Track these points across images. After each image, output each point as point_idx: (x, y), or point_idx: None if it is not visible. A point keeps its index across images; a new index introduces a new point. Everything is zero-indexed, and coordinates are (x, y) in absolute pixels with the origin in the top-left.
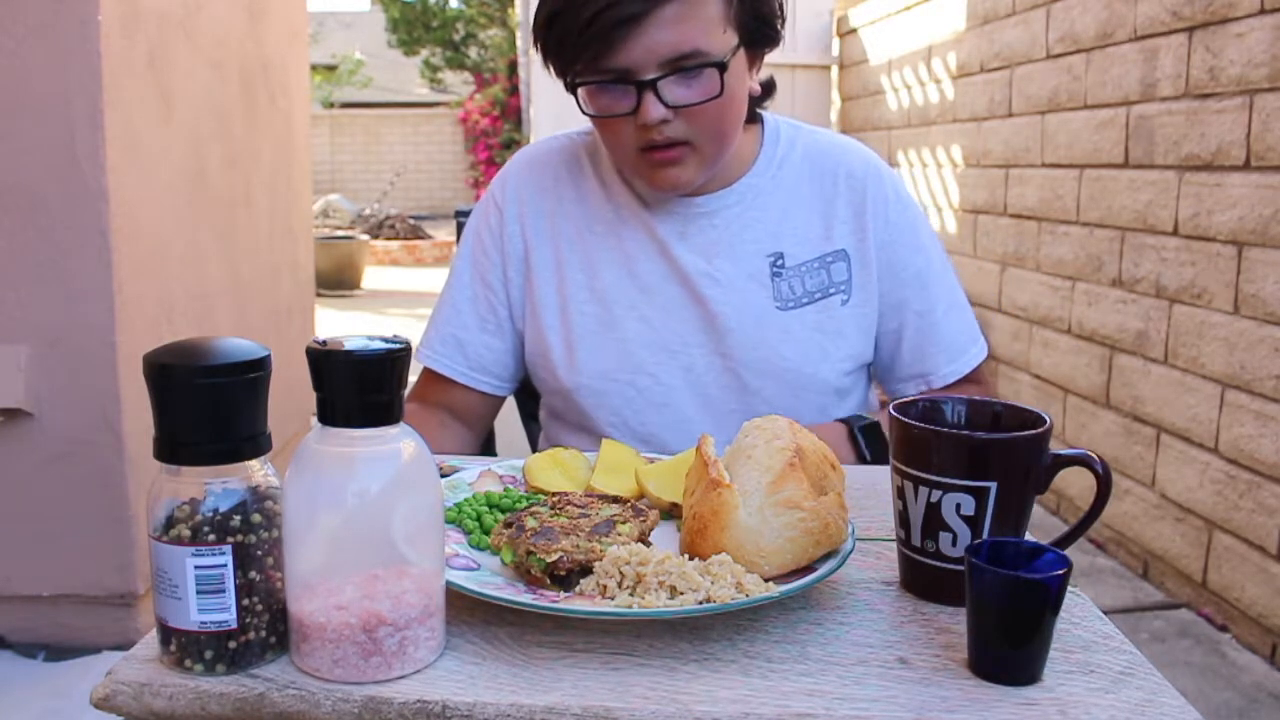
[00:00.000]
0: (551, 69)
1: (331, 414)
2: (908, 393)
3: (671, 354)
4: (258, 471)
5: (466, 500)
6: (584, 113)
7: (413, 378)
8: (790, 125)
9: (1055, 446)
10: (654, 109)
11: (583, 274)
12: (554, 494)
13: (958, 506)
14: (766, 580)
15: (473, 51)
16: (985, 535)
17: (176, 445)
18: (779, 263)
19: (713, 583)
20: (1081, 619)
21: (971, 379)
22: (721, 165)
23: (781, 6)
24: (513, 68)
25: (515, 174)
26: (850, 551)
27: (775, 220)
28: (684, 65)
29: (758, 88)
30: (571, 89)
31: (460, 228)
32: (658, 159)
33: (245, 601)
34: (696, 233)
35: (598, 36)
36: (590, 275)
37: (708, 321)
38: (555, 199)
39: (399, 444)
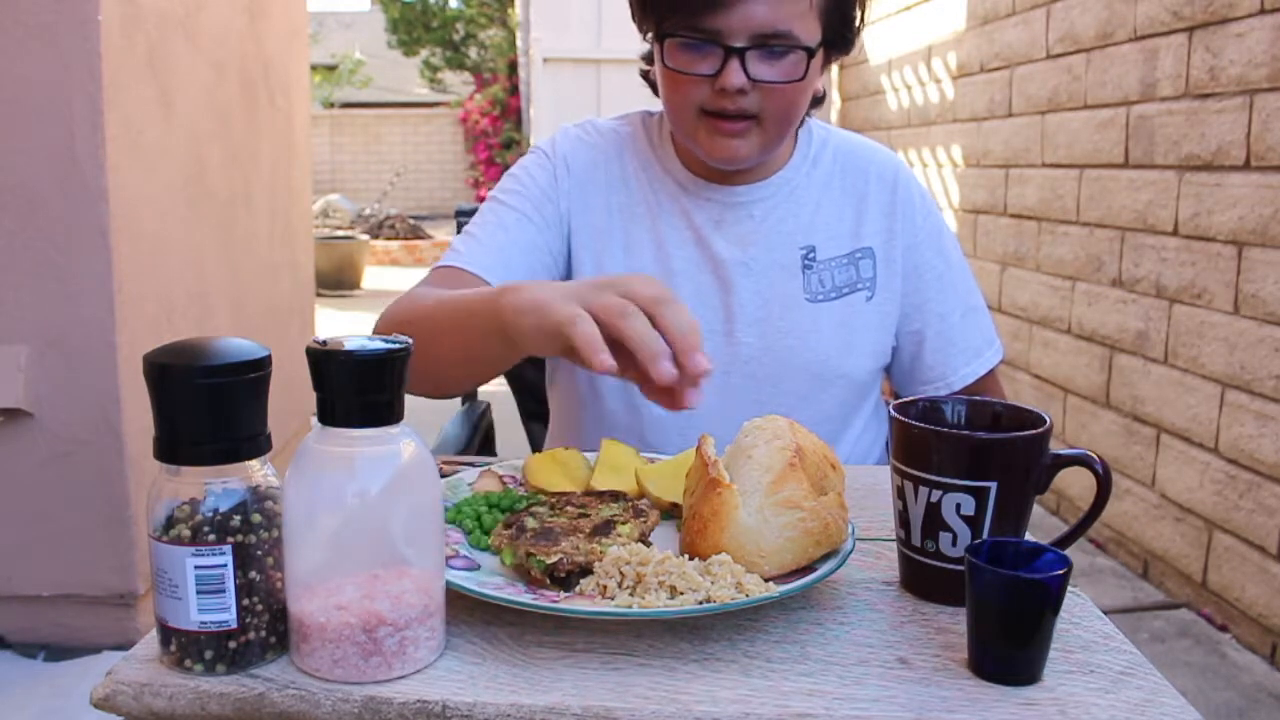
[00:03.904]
0: (644, 17)
1: (331, 414)
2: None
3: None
4: (258, 471)
5: (466, 500)
6: (664, 65)
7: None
8: (820, 126)
9: (1055, 446)
10: (736, 76)
11: (620, 252)
12: (554, 494)
13: (958, 506)
14: (766, 580)
15: (473, 51)
16: (985, 535)
17: (176, 445)
18: (810, 256)
19: (713, 583)
20: (1081, 619)
21: (987, 381)
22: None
23: (863, 17)
24: (513, 68)
25: (565, 141)
26: (850, 551)
27: (809, 214)
28: (773, 43)
29: (822, 89)
30: (659, 39)
31: (460, 227)
32: (722, 128)
33: (245, 601)
34: (733, 222)
35: None
36: (627, 255)
37: (736, 310)
38: (603, 174)
39: (399, 444)
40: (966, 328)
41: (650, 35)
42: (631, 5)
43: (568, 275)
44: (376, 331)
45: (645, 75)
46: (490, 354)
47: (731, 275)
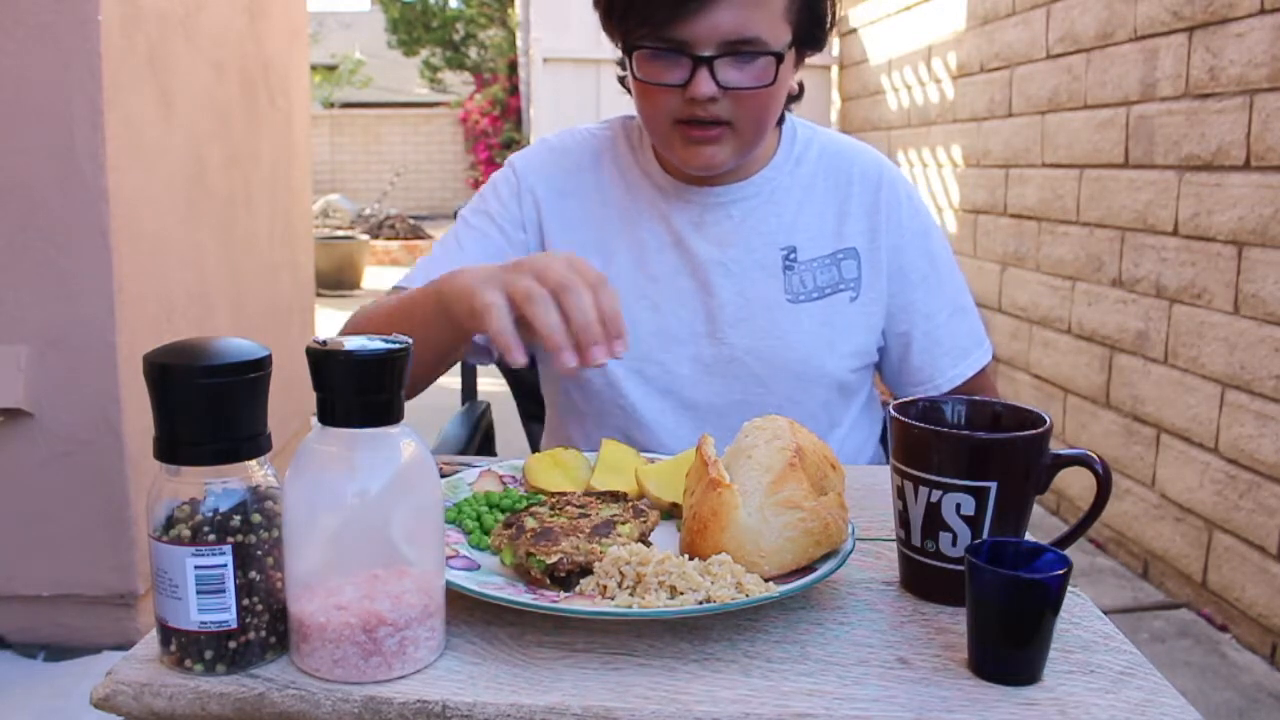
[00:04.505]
0: (611, 29)
1: (331, 414)
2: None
3: (680, 343)
4: (258, 471)
5: (466, 500)
6: (634, 76)
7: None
8: (806, 125)
9: (1055, 446)
10: (705, 85)
11: (598, 259)
12: (554, 494)
13: (958, 506)
14: (766, 580)
15: (473, 51)
16: (985, 535)
17: (176, 445)
18: (791, 256)
19: (713, 583)
20: (1081, 619)
21: (977, 381)
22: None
23: (834, 14)
24: (513, 68)
25: (537, 153)
26: (850, 551)
27: (791, 215)
28: (742, 49)
29: (796, 87)
30: (627, 52)
31: None
32: (696, 135)
33: (245, 601)
34: (713, 223)
35: (667, 5)
36: (604, 262)
37: (717, 312)
38: (576, 184)
39: (399, 444)
40: (954, 329)
41: (619, 46)
42: (600, 17)
43: None
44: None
45: (622, 81)
46: (437, 340)
47: (710, 277)
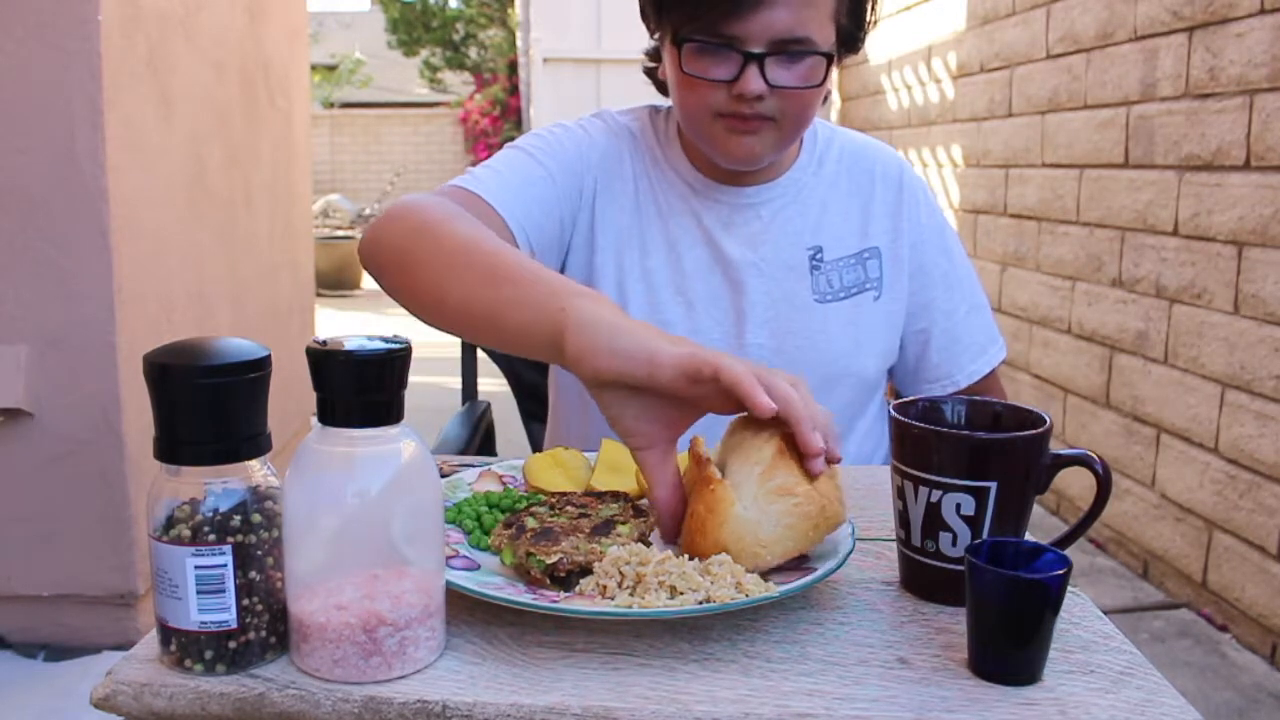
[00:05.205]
0: (657, 21)
1: (331, 414)
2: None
3: (711, 342)
4: (258, 471)
5: (466, 500)
6: (679, 69)
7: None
8: (825, 126)
9: (1055, 446)
10: (755, 83)
11: (637, 252)
12: (554, 494)
13: (958, 506)
14: (770, 570)
15: (473, 51)
16: (985, 535)
17: (176, 445)
18: (818, 256)
19: (713, 583)
20: (1081, 619)
21: (990, 380)
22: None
23: (874, 21)
24: (513, 68)
25: (595, 127)
26: (850, 551)
27: (816, 215)
28: (792, 49)
29: (830, 88)
30: (675, 44)
31: None
32: (738, 126)
33: (245, 601)
34: (742, 223)
35: (724, 0)
36: (642, 255)
37: (747, 310)
38: (620, 169)
39: (399, 444)
40: (971, 325)
41: (665, 39)
42: (643, 8)
43: (586, 259)
44: (384, 224)
45: (650, 73)
46: (509, 328)
47: (743, 276)
